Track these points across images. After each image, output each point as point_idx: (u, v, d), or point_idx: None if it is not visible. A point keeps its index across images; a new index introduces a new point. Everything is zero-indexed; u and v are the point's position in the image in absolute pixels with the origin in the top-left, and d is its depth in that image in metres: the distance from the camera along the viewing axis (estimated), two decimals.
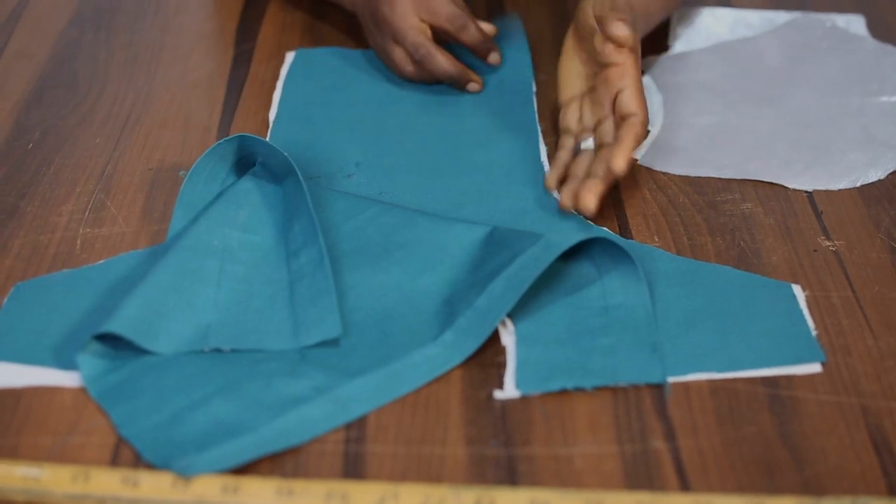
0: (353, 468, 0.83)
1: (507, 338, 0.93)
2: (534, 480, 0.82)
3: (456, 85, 1.23)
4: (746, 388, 0.89)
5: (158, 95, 1.25)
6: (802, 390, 0.89)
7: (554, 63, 1.20)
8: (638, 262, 0.95)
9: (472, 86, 1.24)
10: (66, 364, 0.90)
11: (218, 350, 0.91)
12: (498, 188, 1.10)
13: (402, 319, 0.94)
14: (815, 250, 1.02)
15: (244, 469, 0.82)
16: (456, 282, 0.97)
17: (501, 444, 0.85)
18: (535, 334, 0.93)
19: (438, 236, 1.00)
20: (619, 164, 1.04)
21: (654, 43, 1.32)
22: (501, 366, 0.91)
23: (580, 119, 1.13)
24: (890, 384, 0.89)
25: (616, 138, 1.06)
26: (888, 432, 0.86)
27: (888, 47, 1.31)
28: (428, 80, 1.25)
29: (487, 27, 1.25)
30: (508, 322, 0.94)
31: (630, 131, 1.06)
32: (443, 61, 1.22)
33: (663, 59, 1.29)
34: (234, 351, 0.91)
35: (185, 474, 0.81)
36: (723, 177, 1.11)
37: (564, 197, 1.05)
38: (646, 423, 0.86)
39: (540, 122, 1.20)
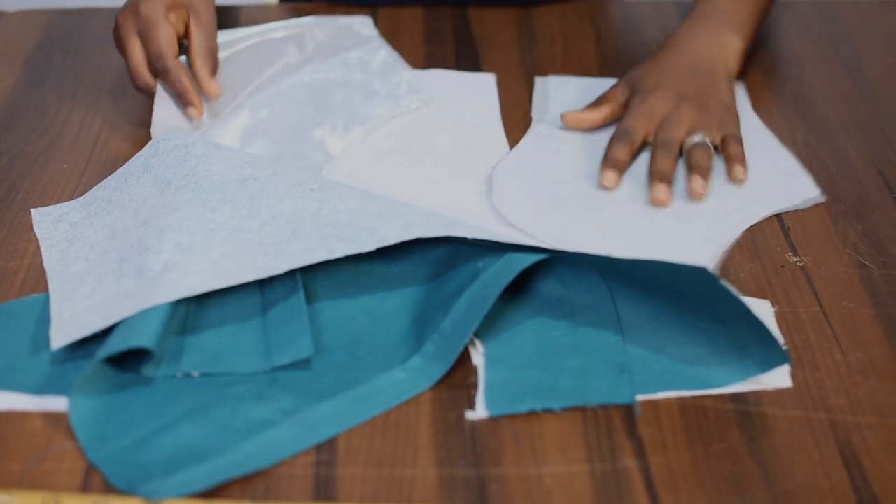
0: (324, 491, 0.83)
1: (478, 358, 0.93)
2: (504, 501, 0.82)
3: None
4: (715, 406, 0.89)
5: (127, 119, 1.25)
6: (771, 406, 0.89)
7: (520, 76, 1.21)
8: (604, 280, 0.95)
9: (191, 111, 1.18)
10: (36, 389, 0.90)
11: (188, 374, 0.91)
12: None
13: (370, 342, 0.94)
14: (782, 266, 1.03)
15: (214, 493, 0.82)
16: (422, 302, 0.97)
17: (471, 465, 0.85)
18: (504, 355, 0.93)
19: (405, 256, 1.00)
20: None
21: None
22: (471, 387, 0.91)
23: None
24: (858, 399, 0.90)
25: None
26: (857, 447, 0.86)
27: None
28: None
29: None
30: (478, 343, 0.94)
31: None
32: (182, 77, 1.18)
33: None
34: (203, 375, 0.91)
35: (152, 499, 0.81)
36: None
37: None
38: (616, 442, 0.86)
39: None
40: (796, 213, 1.09)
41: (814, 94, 1.29)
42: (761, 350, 0.91)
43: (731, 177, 1.15)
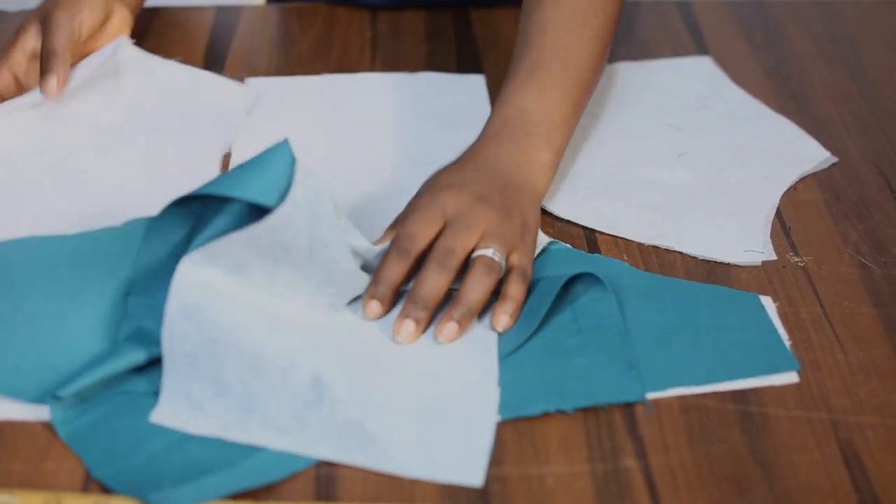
0: (326, 490, 0.83)
1: None
2: (505, 500, 0.82)
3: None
4: (717, 405, 0.89)
5: None
6: (772, 406, 0.89)
7: None
8: (608, 283, 0.95)
9: (49, 80, 1.15)
10: (33, 398, 0.88)
11: None
12: None
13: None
14: (783, 266, 1.03)
15: None
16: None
17: None
18: (510, 358, 0.92)
19: None
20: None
21: None
22: None
23: None
24: (860, 399, 0.90)
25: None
26: (858, 447, 0.86)
27: None
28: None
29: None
30: None
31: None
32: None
33: None
34: None
35: None
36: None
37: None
38: (617, 442, 0.86)
39: None
40: (797, 213, 1.09)
41: (815, 94, 1.29)
42: (770, 354, 0.92)
43: (492, 320, 0.95)
